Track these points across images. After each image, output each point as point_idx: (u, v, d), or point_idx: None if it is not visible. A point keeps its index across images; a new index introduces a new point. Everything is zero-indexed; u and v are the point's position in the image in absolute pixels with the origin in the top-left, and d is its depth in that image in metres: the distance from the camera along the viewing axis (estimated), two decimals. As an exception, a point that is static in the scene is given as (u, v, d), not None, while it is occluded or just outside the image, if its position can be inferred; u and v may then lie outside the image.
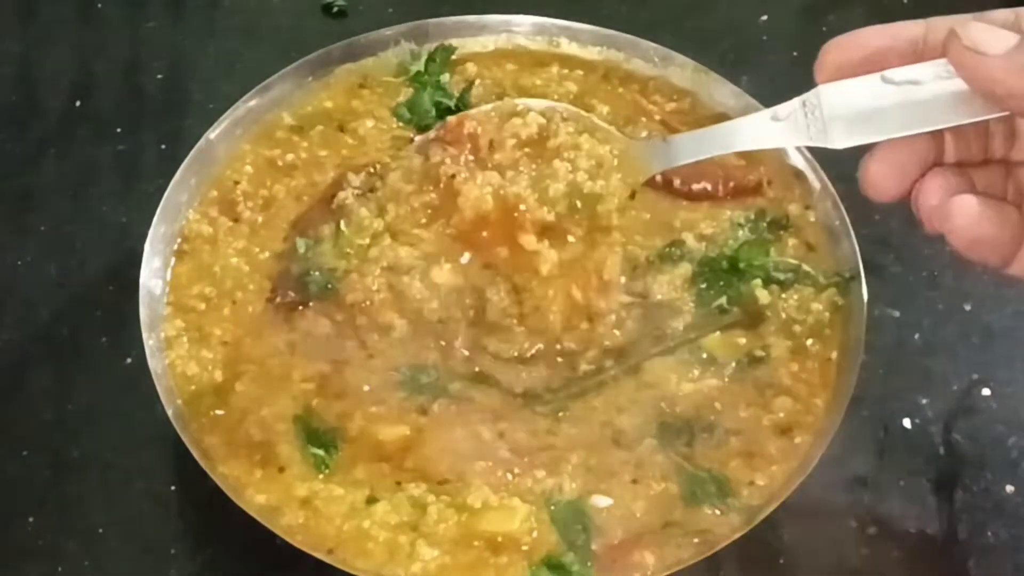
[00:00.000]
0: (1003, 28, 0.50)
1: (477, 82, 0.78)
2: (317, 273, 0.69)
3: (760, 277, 0.70)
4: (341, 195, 0.72)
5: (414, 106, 0.77)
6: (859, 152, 0.54)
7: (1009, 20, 0.51)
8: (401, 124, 0.77)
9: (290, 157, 0.75)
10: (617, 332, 0.68)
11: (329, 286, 0.69)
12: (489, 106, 0.68)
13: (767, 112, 0.57)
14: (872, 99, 0.53)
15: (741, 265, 0.70)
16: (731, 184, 0.73)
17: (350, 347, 0.67)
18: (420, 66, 0.78)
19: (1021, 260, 0.54)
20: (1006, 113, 0.51)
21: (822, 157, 0.73)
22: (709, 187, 0.73)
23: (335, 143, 0.76)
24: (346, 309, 0.68)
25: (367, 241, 0.70)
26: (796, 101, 0.55)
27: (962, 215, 0.52)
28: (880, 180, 0.54)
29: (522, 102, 0.68)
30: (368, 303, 0.68)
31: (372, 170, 0.73)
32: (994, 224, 0.53)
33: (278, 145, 0.75)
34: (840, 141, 0.54)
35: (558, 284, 0.66)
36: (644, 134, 0.76)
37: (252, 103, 0.75)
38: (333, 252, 0.70)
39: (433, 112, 0.76)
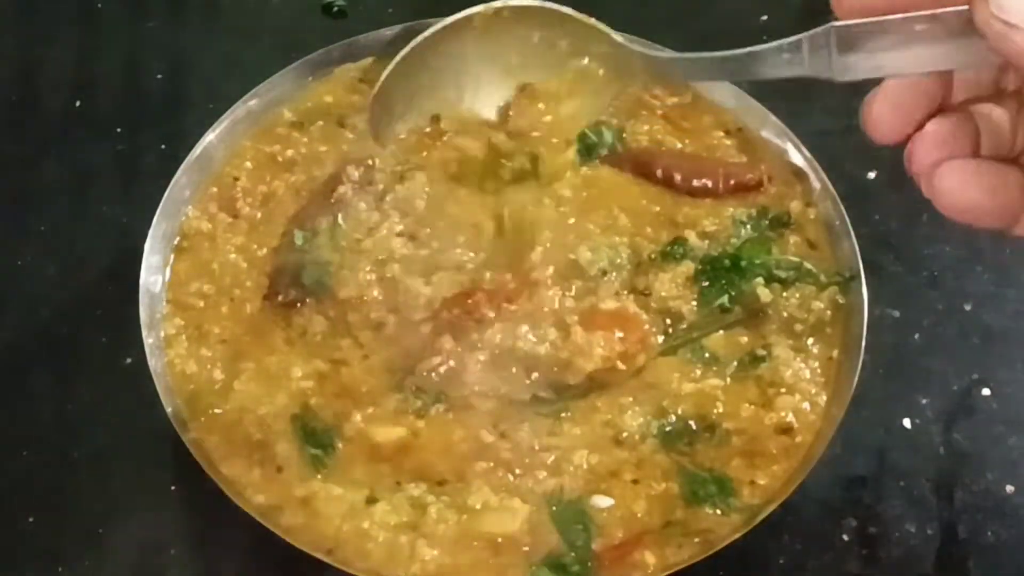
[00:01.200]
0: None
1: None
2: (312, 266, 0.69)
3: (762, 275, 0.70)
4: (341, 189, 0.72)
5: None
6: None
7: None
8: None
9: (290, 153, 0.75)
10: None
11: (323, 280, 0.69)
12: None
13: (777, 44, 0.57)
14: (877, 36, 0.53)
15: (743, 263, 0.70)
16: (732, 181, 0.73)
17: (346, 346, 0.67)
18: None
19: None
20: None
21: (822, 157, 0.73)
22: (709, 184, 0.73)
23: (335, 138, 0.76)
24: (339, 305, 0.68)
25: (363, 235, 0.70)
26: (806, 35, 0.55)
27: (951, 182, 0.51)
28: (882, 120, 0.53)
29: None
30: (360, 299, 0.68)
31: (371, 163, 0.73)
32: (986, 193, 0.51)
33: (278, 141, 0.75)
34: (841, 73, 0.54)
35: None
36: (646, 127, 0.76)
37: (252, 103, 0.75)
38: (329, 245, 0.70)
39: None
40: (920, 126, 0.53)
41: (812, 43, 0.55)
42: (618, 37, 0.62)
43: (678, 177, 0.73)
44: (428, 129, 0.67)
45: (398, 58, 0.61)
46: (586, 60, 0.64)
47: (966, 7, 0.50)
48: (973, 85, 0.54)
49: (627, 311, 0.68)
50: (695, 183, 0.73)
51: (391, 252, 0.69)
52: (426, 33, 0.61)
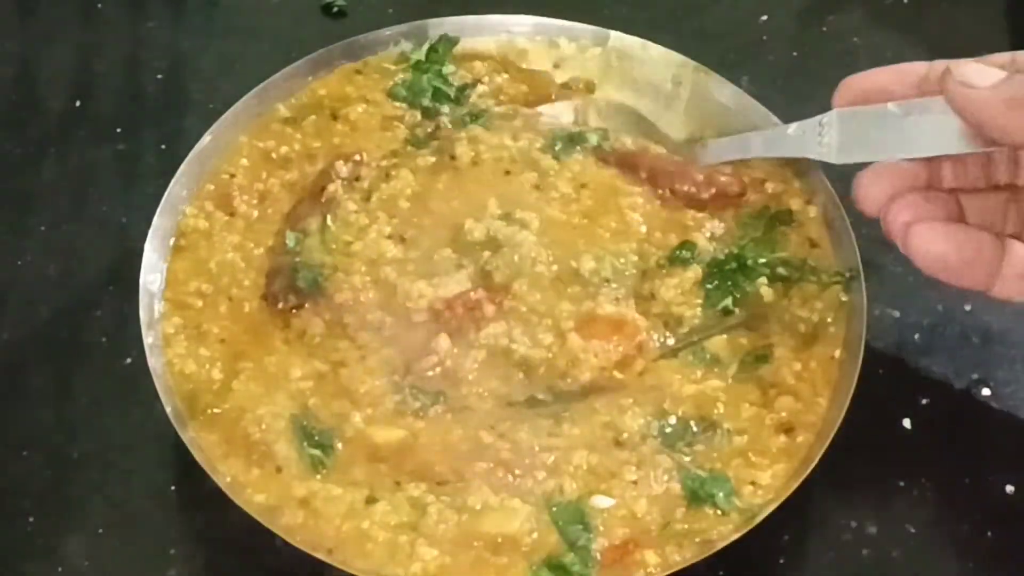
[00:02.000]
0: (999, 68, 0.55)
1: (485, 79, 0.78)
2: (306, 269, 0.69)
3: (766, 275, 0.70)
4: (331, 188, 0.72)
5: (412, 86, 0.77)
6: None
7: (1006, 61, 0.56)
8: (396, 104, 0.77)
9: (284, 150, 0.75)
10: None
11: (318, 282, 0.69)
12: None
13: (788, 127, 0.68)
14: (875, 126, 0.61)
15: (748, 263, 0.70)
16: (713, 190, 0.73)
17: (344, 348, 0.67)
18: (421, 55, 0.78)
19: (1002, 284, 0.59)
20: (992, 149, 0.55)
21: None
22: (693, 189, 0.73)
23: (327, 132, 0.76)
24: (335, 308, 0.68)
25: (352, 238, 0.70)
26: (814, 120, 0.65)
27: (920, 239, 0.58)
28: (869, 194, 0.61)
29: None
30: (356, 301, 0.68)
31: (359, 158, 0.73)
32: (953, 249, 0.58)
33: (272, 137, 0.75)
34: (841, 157, 0.64)
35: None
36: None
37: (252, 103, 0.75)
38: (320, 248, 0.70)
39: (430, 93, 0.77)
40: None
41: (817, 127, 0.65)
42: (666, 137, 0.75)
43: (662, 180, 0.73)
44: None
45: None
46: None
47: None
48: (961, 176, 0.61)
49: (624, 317, 0.68)
50: (678, 187, 0.73)
51: (381, 254, 0.70)
52: None
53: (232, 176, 0.74)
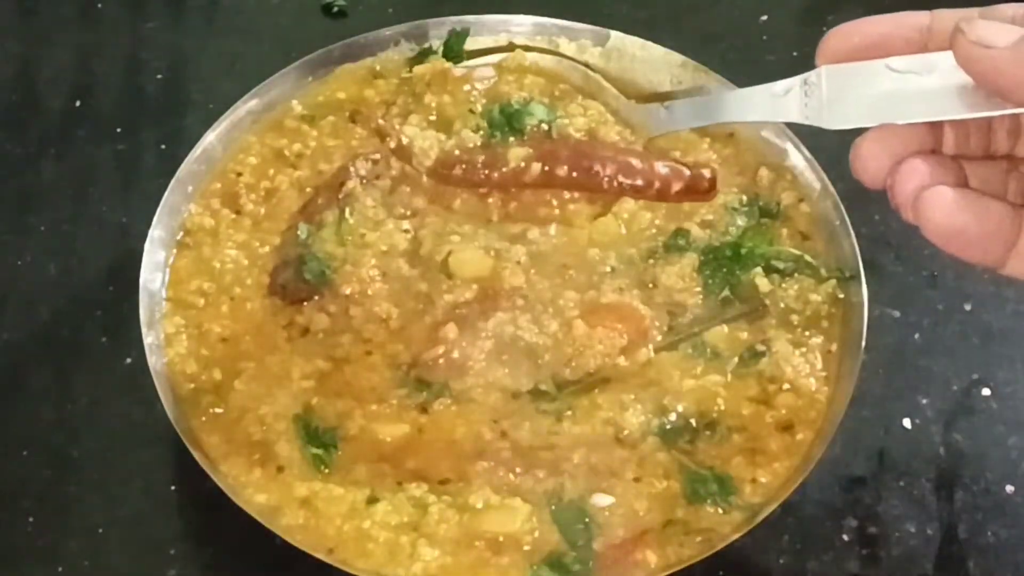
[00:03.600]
0: (1009, 23, 0.50)
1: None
2: (314, 261, 0.69)
3: (761, 265, 0.70)
4: (349, 184, 0.72)
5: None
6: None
7: (1018, 15, 0.51)
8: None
9: (296, 147, 0.75)
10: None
11: (325, 274, 0.69)
12: (496, 58, 0.76)
13: (767, 86, 0.58)
14: (872, 85, 0.53)
15: (743, 252, 0.70)
16: (680, 185, 0.70)
17: (348, 343, 0.67)
18: (439, 57, 0.78)
19: (1017, 260, 0.52)
20: (1007, 111, 0.51)
21: (823, 157, 0.73)
22: (644, 183, 0.70)
23: (345, 134, 0.76)
24: (341, 300, 0.68)
25: (368, 231, 0.70)
26: (798, 79, 0.56)
27: (935, 207, 0.51)
28: (870, 163, 0.53)
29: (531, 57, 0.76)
30: (362, 293, 0.68)
31: (377, 157, 0.73)
32: (972, 219, 0.51)
33: (286, 135, 0.75)
34: (835, 122, 0.54)
35: None
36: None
37: (252, 103, 0.75)
38: (334, 240, 0.70)
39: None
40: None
41: (804, 87, 0.55)
42: (619, 98, 0.69)
43: (611, 172, 0.70)
44: None
45: None
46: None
47: (948, 51, 0.50)
48: (963, 143, 0.54)
49: (628, 305, 0.68)
50: (626, 181, 0.70)
51: (394, 245, 0.70)
52: None
53: (239, 175, 0.74)
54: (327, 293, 0.68)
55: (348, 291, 0.68)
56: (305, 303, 0.68)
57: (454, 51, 0.78)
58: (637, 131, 0.72)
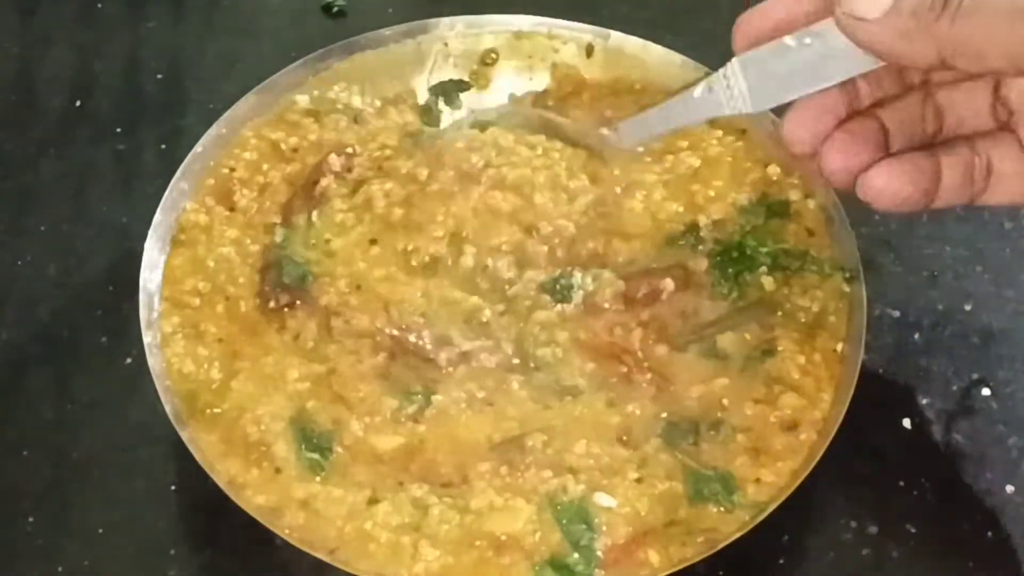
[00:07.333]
0: None
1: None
2: (291, 265, 0.69)
3: (767, 264, 0.70)
4: (323, 182, 0.72)
5: None
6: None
7: None
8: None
9: (293, 140, 0.74)
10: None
11: (306, 278, 0.69)
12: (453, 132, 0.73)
13: (694, 88, 0.62)
14: (779, 63, 0.57)
15: (748, 251, 0.70)
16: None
17: (334, 352, 0.67)
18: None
19: (942, 196, 0.59)
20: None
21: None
22: None
23: (349, 132, 0.75)
24: (321, 311, 0.68)
25: (332, 236, 0.70)
26: (717, 74, 0.60)
27: (878, 182, 0.57)
28: (797, 133, 0.58)
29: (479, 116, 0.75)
30: (340, 305, 0.68)
31: (351, 151, 0.73)
32: (909, 183, 0.57)
33: (284, 128, 0.75)
34: (756, 105, 0.59)
35: None
36: None
37: (252, 102, 0.75)
38: (305, 244, 0.70)
39: None
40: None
41: (723, 81, 0.60)
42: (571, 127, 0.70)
43: None
44: None
45: None
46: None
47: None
48: (877, 89, 0.59)
49: (623, 343, 0.67)
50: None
51: (366, 258, 0.69)
52: None
53: (232, 170, 0.73)
54: (310, 300, 0.68)
55: (325, 302, 0.68)
56: (287, 308, 0.68)
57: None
58: (605, 158, 0.73)
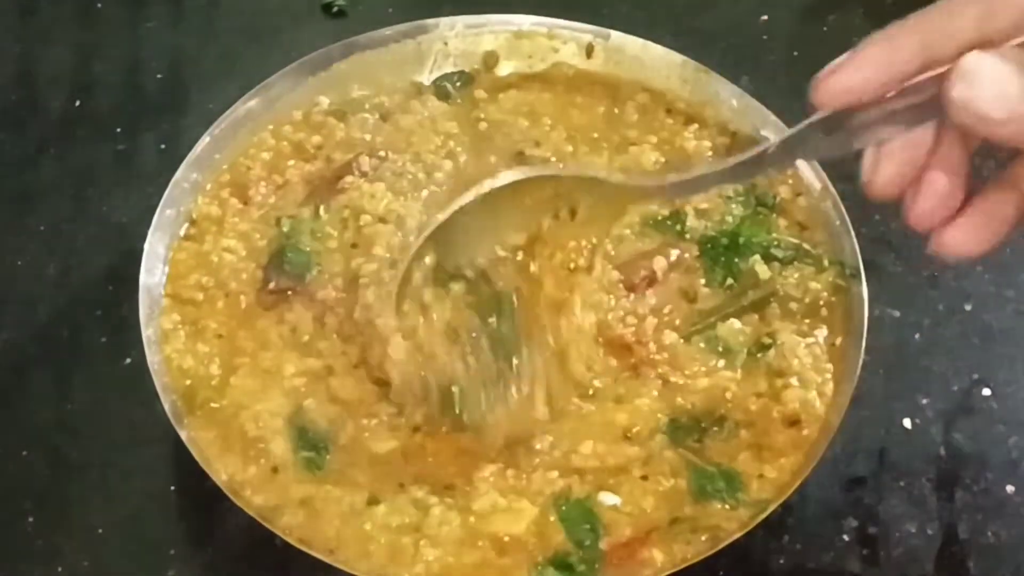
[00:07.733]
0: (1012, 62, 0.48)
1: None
2: (294, 252, 0.69)
3: (759, 254, 0.70)
4: (348, 179, 0.72)
5: None
6: (860, 152, 0.54)
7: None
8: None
9: (316, 139, 0.75)
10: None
11: (308, 267, 0.69)
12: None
13: (756, 150, 0.57)
14: (859, 117, 0.53)
15: (741, 240, 0.70)
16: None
17: (327, 349, 0.66)
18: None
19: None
20: None
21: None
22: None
23: (376, 130, 0.75)
24: (318, 304, 0.68)
25: (335, 231, 0.70)
26: (795, 132, 0.56)
27: (954, 242, 0.52)
28: (877, 182, 0.54)
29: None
30: (337, 300, 0.68)
31: (383, 155, 0.73)
32: (986, 241, 0.52)
33: (302, 129, 0.75)
34: (826, 154, 0.56)
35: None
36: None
37: (252, 103, 0.75)
38: (308, 234, 0.70)
39: None
40: (916, 178, 0.53)
41: (794, 140, 0.55)
42: (614, 177, 0.62)
43: None
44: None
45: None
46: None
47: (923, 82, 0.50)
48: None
49: (625, 339, 0.67)
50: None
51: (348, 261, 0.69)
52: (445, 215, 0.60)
53: (249, 168, 0.73)
54: (306, 290, 0.68)
55: (321, 296, 0.68)
56: (289, 293, 0.68)
57: None
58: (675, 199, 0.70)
